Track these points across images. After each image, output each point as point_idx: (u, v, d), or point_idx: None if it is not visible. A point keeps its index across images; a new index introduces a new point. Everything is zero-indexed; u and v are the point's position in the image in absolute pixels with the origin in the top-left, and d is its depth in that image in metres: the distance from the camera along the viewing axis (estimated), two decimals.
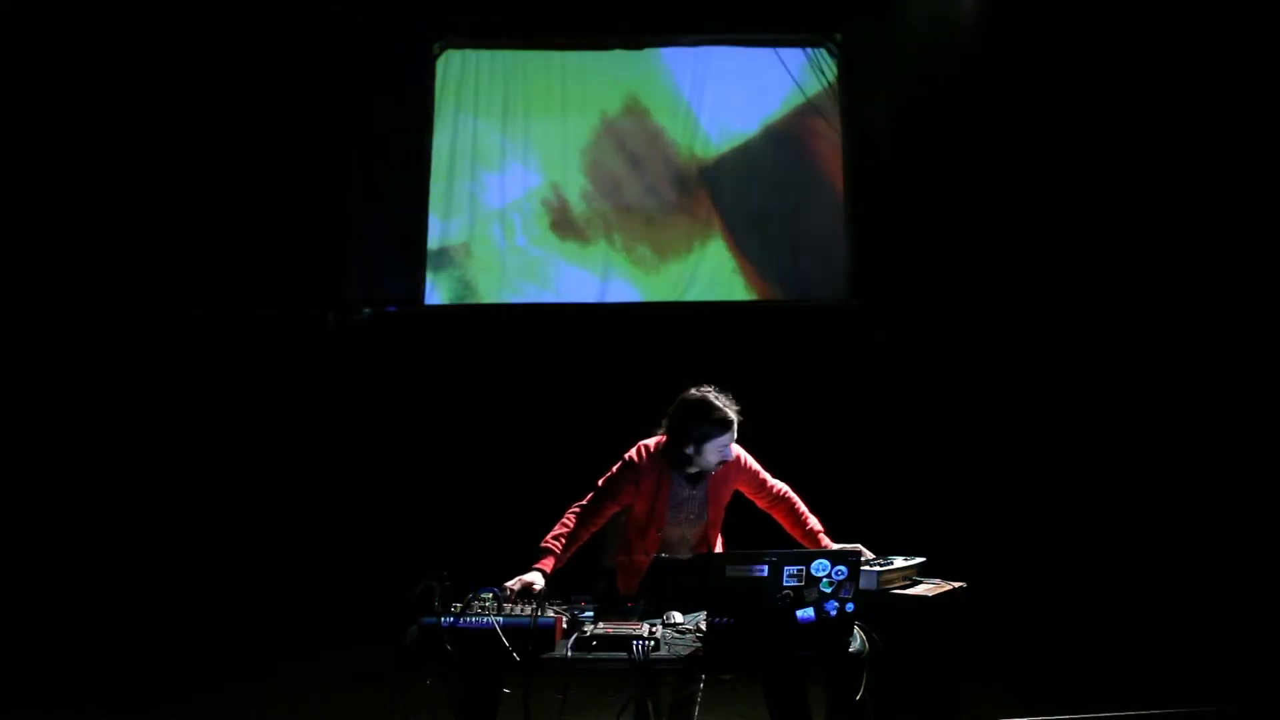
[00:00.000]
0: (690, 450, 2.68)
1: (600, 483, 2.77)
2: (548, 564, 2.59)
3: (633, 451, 2.79)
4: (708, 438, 2.65)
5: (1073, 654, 4.38)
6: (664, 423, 2.75)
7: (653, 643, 2.24)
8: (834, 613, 2.22)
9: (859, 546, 2.73)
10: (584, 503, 2.74)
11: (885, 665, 2.29)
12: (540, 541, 2.65)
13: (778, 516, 2.91)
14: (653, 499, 2.73)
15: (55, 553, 4.97)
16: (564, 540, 2.65)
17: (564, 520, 2.71)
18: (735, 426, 2.68)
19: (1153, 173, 5.31)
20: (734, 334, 5.26)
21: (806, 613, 2.20)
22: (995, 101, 5.48)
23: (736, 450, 2.80)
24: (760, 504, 2.92)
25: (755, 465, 2.88)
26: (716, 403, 2.67)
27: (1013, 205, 5.45)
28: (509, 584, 2.46)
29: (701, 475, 2.76)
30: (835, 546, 2.75)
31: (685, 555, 2.81)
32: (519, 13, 5.74)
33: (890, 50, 5.64)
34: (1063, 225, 5.40)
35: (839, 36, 5.86)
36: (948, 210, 5.52)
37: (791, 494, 2.91)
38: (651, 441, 2.80)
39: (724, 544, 2.93)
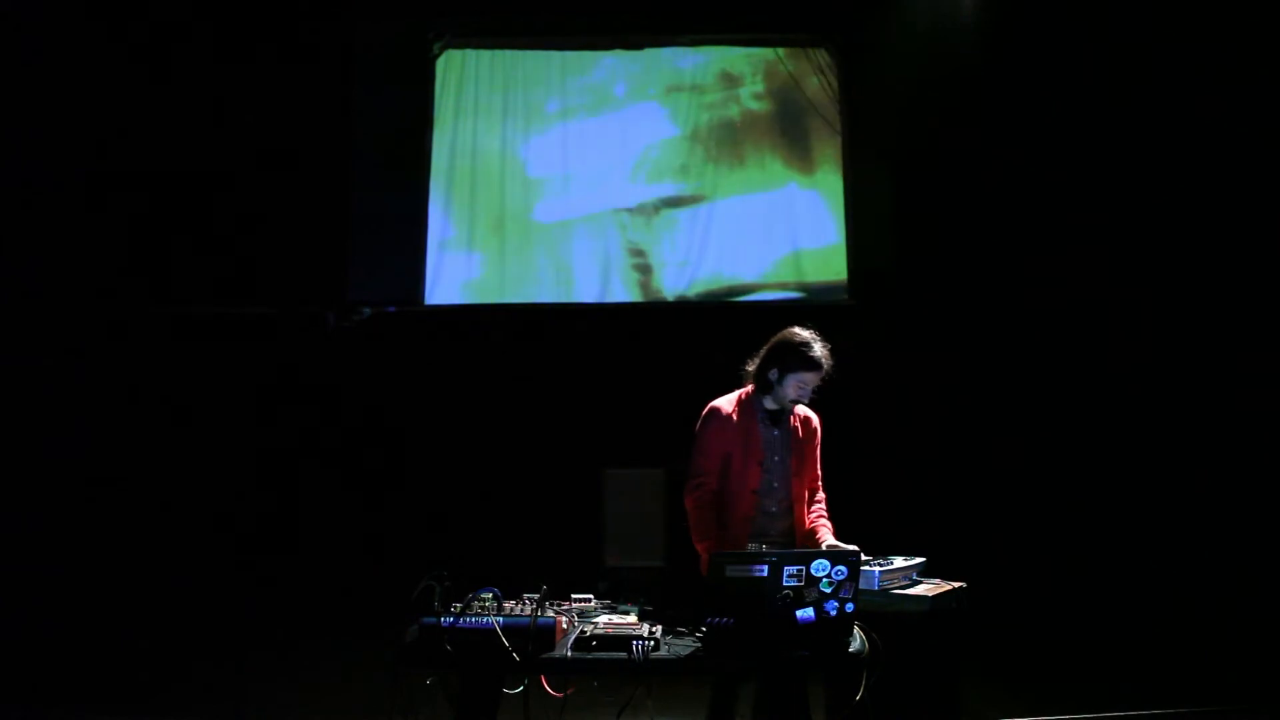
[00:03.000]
0: (773, 375, 2.78)
1: (695, 450, 2.78)
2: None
3: (712, 405, 2.84)
4: (792, 369, 2.74)
5: (1073, 653, 4.38)
6: (760, 350, 2.83)
7: (652, 643, 2.23)
8: (834, 613, 2.21)
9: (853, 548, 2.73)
10: (694, 479, 2.76)
11: (885, 665, 2.28)
12: (697, 544, 2.70)
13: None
14: (745, 438, 2.78)
15: (51, 552, 4.95)
16: (714, 528, 2.70)
17: (698, 510, 2.73)
18: (821, 373, 2.76)
19: (1153, 172, 5.29)
20: (735, 334, 5.24)
21: (806, 613, 2.19)
22: (995, 101, 5.47)
23: (816, 421, 2.92)
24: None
25: (819, 449, 2.94)
26: (816, 344, 2.77)
27: (1013, 204, 5.44)
28: None
29: (780, 416, 2.83)
30: (830, 539, 2.76)
31: (779, 526, 2.81)
32: (519, 12, 5.74)
33: (890, 50, 5.63)
34: (1063, 224, 5.39)
35: (839, 36, 5.85)
36: (948, 210, 5.51)
37: (821, 496, 2.94)
38: (724, 398, 2.85)
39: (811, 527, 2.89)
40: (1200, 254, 5.19)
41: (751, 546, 2.72)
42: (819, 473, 2.96)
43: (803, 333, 2.80)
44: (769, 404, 2.83)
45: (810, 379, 2.76)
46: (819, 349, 2.76)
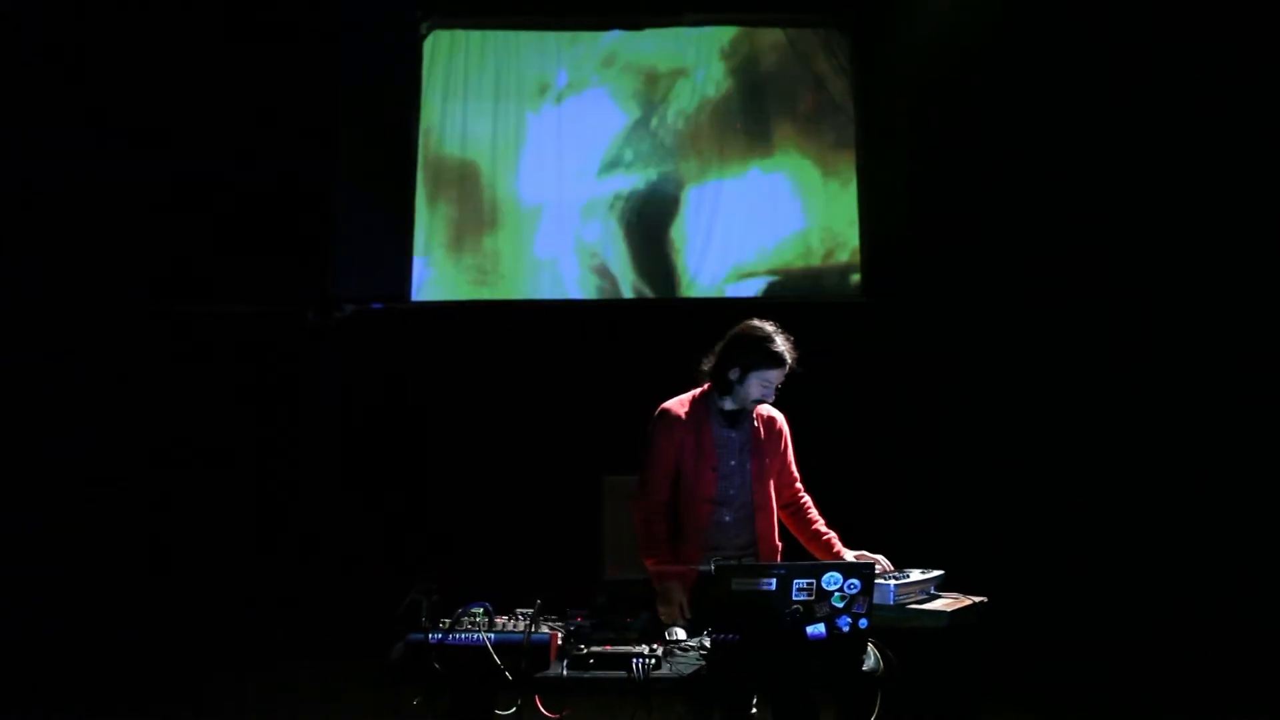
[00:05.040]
0: (734, 375, 2.60)
1: (645, 457, 2.65)
2: (671, 573, 2.53)
3: (662, 406, 2.69)
4: (755, 367, 2.57)
5: (1095, 671, 4.26)
6: (716, 347, 2.66)
7: (653, 661, 2.13)
8: (846, 629, 2.10)
9: (879, 557, 2.61)
10: (644, 488, 2.64)
11: (901, 684, 2.20)
12: (644, 559, 2.59)
13: (788, 519, 2.79)
14: (697, 442, 2.61)
15: (52, 552, 4.91)
16: (664, 542, 2.58)
17: (646, 522, 2.61)
18: (786, 369, 2.60)
19: (1154, 172, 5.12)
20: None
21: (817, 629, 2.09)
22: (1014, 87, 5.28)
23: (783, 421, 2.75)
24: (776, 498, 2.78)
25: (791, 453, 2.78)
26: (777, 337, 2.60)
27: (1033, 198, 5.26)
28: (669, 620, 2.41)
29: (739, 416, 2.66)
30: (851, 556, 2.63)
31: (737, 540, 2.66)
32: None
33: (905, 32, 5.46)
34: (1086, 218, 5.20)
35: (852, 17, 5.65)
36: (965, 202, 5.34)
37: (810, 501, 2.80)
38: (676, 399, 2.70)
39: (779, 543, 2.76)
40: (1201, 254, 5.05)
41: (705, 561, 2.57)
42: (796, 474, 2.79)
43: (764, 326, 2.61)
44: (727, 404, 2.66)
45: (775, 376, 2.59)
46: (782, 343, 2.60)
